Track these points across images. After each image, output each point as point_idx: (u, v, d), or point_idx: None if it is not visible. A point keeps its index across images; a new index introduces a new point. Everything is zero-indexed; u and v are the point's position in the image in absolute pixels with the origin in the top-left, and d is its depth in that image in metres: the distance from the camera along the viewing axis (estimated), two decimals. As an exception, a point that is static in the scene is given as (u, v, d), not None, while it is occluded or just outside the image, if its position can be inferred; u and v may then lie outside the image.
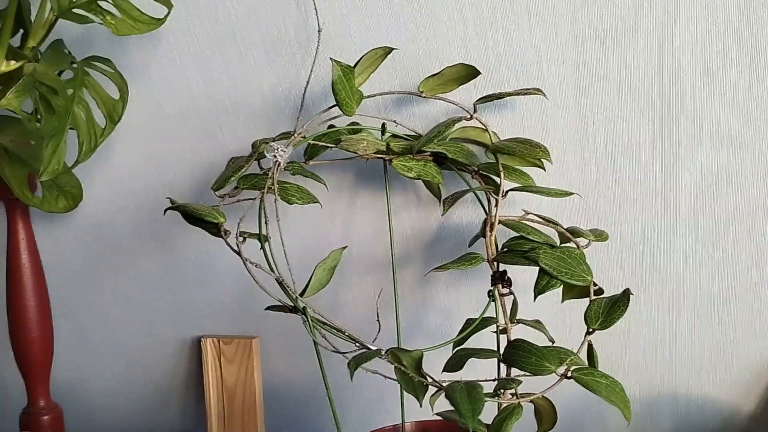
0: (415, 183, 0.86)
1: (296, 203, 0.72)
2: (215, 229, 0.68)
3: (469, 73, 0.75)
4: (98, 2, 0.67)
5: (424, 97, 0.76)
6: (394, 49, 0.75)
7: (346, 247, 0.68)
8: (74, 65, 0.71)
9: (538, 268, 0.69)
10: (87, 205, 0.96)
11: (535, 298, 0.70)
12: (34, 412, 0.95)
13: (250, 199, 0.71)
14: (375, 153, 0.75)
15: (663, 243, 0.84)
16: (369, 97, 0.77)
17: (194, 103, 0.88)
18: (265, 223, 0.66)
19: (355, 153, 0.73)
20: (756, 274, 0.84)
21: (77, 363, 1.07)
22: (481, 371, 0.74)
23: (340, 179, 0.88)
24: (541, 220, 0.75)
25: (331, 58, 0.70)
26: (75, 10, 0.67)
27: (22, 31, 0.70)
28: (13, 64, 0.63)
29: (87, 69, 0.72)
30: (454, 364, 0.73)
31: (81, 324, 1.05)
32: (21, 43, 0.69)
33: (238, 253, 0.66)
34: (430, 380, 0.65)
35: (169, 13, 0.71)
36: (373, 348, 0.65)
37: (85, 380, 1.08)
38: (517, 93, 0.74)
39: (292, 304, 0.65)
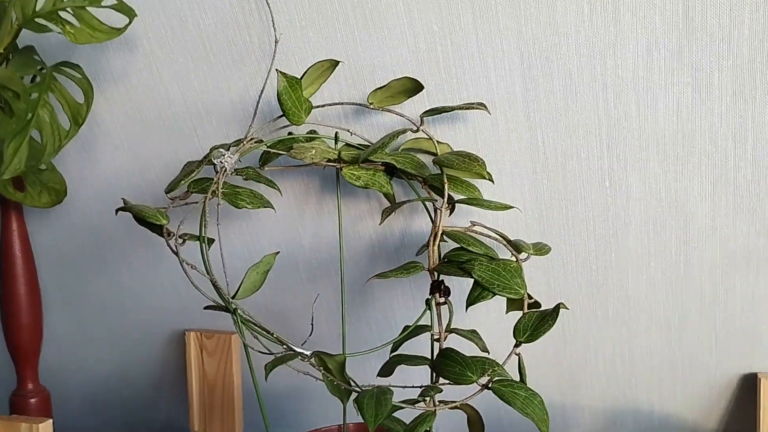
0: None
1: (245, 207, 0.75)
2: (159, 231, 0.71)
3: (415, 86, 0.77)
4: (58, 12, 0.71)
5: (373, 108, 0.78)
6: (339, 62, 0.77)
7: (278, 252, 0.71)
8: (43, 71, 0.76)
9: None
10: (78, 199, 1.01)
11: (466, 308, 0.72)
12: (22, 394, 1.00)
13: (196, 202, 0.74)
14: (326, 161, 0.78)
15: (615, 258, 0.84)
16: (318, 107, 0.80)
17: (170, 107, 0.92)
18: (216, 225, 0.69)
19: (303, 160, 0.75)
20: (709, 293, 0.84)
21: (74, 350, 1.13)
22: (417, 377, 0.76)
23: (306, 184, 0.91)
24: (486, 231, 0.77)
25: (277, 70, 0.73)
26: (37, 20, 0.71)
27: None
28: (-28, 72, 0.68)
29: (55, 74, 0.76)
30: (387, 369, 0.75)
31: (77, 313, 1.10)
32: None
33: (176, 254, 0.69)
34: (353, 384, 0.67)
35: (130, 22, 0.75)
36: (299, 350, 0.67)
37: (81, 367, 1.14)
38: (461, 107, 0.75)
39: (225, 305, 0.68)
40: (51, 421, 0.74)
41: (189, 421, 1.03)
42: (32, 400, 1.01)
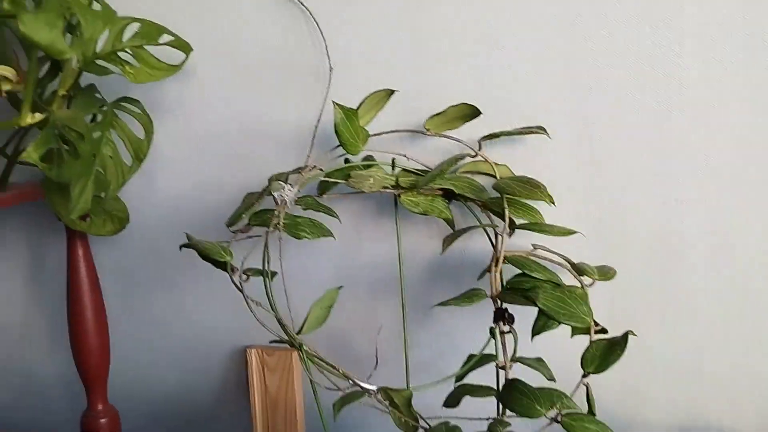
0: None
1: (305, 238, 0.75)
2: (223, 267, 0.72)
3: (472, 112, 0.76)
4: (118, 53, 0.72)
5: (430, 135, 0.77)
6: (395, 91, 0.77)
7: (341, 287, 0.71)
8: (104, 108, 0.77)
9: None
10: (140, 223, 1.03)
11: (532, 338, 0.71)
12: (93, 414, 1.03)
13: (259, 236, 0.75)
14: (383, 189, 0.77)
15: (681, 277, 0.82)
16: (375, 135, 0.79)
17: (227, 133, 0.93)
18: (279, 260, 0.69)
19: (361, 190, 0.75)
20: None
21: (139, 367, 1.15)
22: (482, 408, 0.76)
23: (363, 206, 0.91)
24: (549, 254, 0.76)
25: (333, 102, 0.73)
26: (98, 62, 0.72)
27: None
28: (38, 116, 0.69)
29: (116, 111, 0.77)
30: (452, 400, 0.74)
31: (142, 331, 1.12)
32: (49, 92, 0.75)
33: (241, 291, 0.70)
34: (420, 419, 0.67)
35: (187, 58, 0.75)
36: (365, 386, 0.67)
37: (146, 384, 1.16)
38: (520, 132, 0.74)
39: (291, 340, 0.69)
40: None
41: (252, 436, 1.04)
42: (102, 420, 1.03)
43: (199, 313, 1.07)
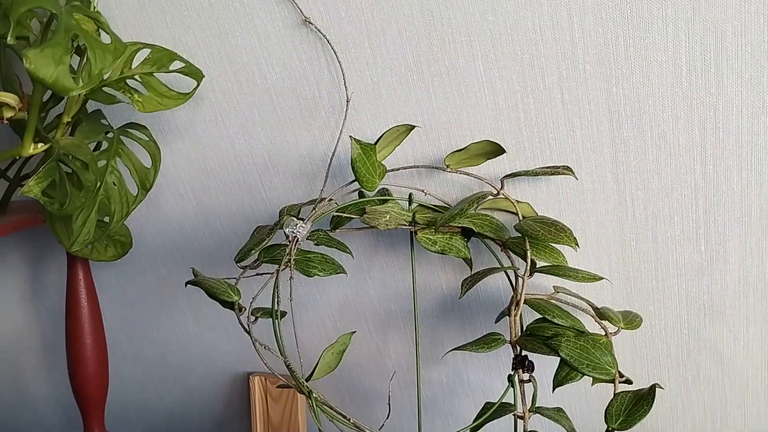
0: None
1: (317, 275, 0.72)
2: (230, 306, 0.69)
3: (495, 149, 0.72)
4: (126, 80, 0.69)
5: (449, 171, 0.74)
6: (415, 126, 0.73)
7: (354, 332, 0.67)
8: (109, 134, 0.74)
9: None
10: (143, 246, 1.00)
11: (554, 389, 0.68)
12: (89, 442, 1.00)
13: (269, 273, 0.71)
14: (399, 226, 0.74)
15: (709, 324, 0.78)
16: (392, 171, 0.76)
17: (236, 159, 0.90)
18: (290, 300, 0.66)
19: (377, 227, 0.72)
20: (814, 362, 0.78)
21: (138, 388, 1.12)
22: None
23: (376, 237, 0.88)
24: (571, 297, 0.72)
25: (351, 137, 0.69)
26: (104, 89, 0.69)
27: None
28: (41, 147, 0.66)
29: (122, 137, 0.74)
30: (468, 451, 0.71)
31: (142, 355, 1.09)
32: (55, 117, 0.72)
33: (248, 333, 0.66)
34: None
35: (198, 86, 0.72)
36: (377, 437, 0.64)
37: (145, 405, 1.13)
38: (546, 172, 0.71)
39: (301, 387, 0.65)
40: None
41: (254, 466, 1.01)
42: (98, 448, 1.00)
43: (202, 338, 1.04)
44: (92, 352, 0.99)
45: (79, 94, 0.68)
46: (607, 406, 0.66)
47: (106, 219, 0.81)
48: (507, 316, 0.73)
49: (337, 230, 0.78)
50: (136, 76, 0.69)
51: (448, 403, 0.94)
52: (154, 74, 0.69)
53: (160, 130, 0.89)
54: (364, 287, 0.91)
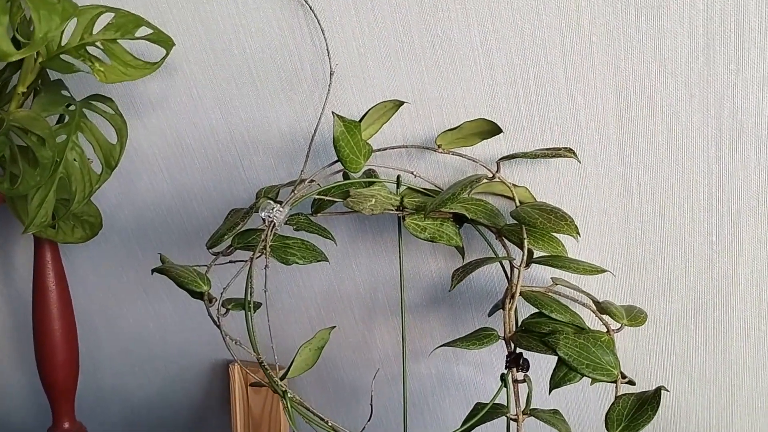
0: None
1: (296, 263, 0.67)
2: (200, 297, 0.63)
3: (491, 128, 0.66)
4: (86, 47, 0.63)
5: (441, 152, 0.68)
6: (404, 102, 0.67)
7: (334, 327, 0.62)
8: (71, 107, 0.68)
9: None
10: (116, 227, 0.95)
11: (550, 391, 0.62)
12: (58, 432, 0.95)
13: (242, 261, 0.66)
14: (386, 210, 0.68)
15: (718, 320, 0.73)
16: (379, 150, 0.70)
17: (213, 135, 0.84)
18: (264, 291, 0.61)
19: (361, 212, 0.66)
20: (829, 363, 0.72)
21: (116, 373, 1.07)
22: (489, 462, 0.67)
23: (362, 221, 0.82)
24: (571, 291, 0.67)
25: (333, 113, 0.63)
26: (63, 57, 0.63)
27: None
28: (-11, 120, 0.60)
29: (85, 110, 0.68)
30: (456, 455, 0.66)
31: (119, 338, 1.04)
32: (5, 86, 0.66)
33: (218, 326, 0.61)
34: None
35: (167, 54, 0.66)
36: (357, 442, 0.59)
37: (121, 397, 1.09)
38: (546, 154, 0.65)
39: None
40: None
41: (234, 458, 0.97)
42: (68, 439, 0.95)
43: (179, 325, 0.99)
44: (61, 339, 0.93)
45: (35, 62, 0.62)
46: (608, 411, 0.61)
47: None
48: (501, 310, 0.67)
49: (319, 214, 0.72)
50: (98, 43, 0.62)
51: (437, 398, 0.89)
52: (118, 41, 0.63)
53: (131, 104, 0.83)
54: (350, 274, 0.86)
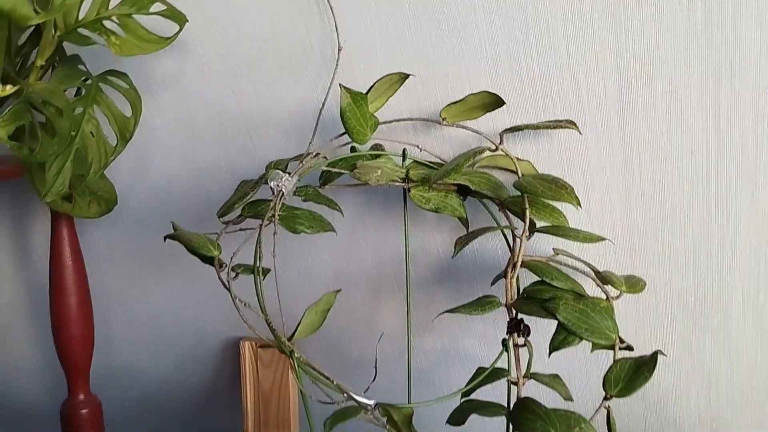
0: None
1: (304, 232, 0.69)
2: (210, 262, 0.65)
3: (494, 101, 0.68)
4: (102, 21, 0.65)
5: (446, 124, 0.70)
6: (409, 75, 0.69)
7: (339, 290, 0.64)
8: (87, 81, 0.70)
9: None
10: (130, 205, 0.97)
11: (549, 354, 0.64)
12: (73, 404, 0.97)
13: (252, 228, 0.68)
14: (391, 182, 0.70)
15: (717, 292, 0.75)
16: (385, 123, 0.72)
17: (224, 114, 0.86)
18: (273, 255, 0.63)
19: (367, 183, 0.68)
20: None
21: (130, 350, 1.10)
22: (490, 426, 0.69)
23: (369, 197, 0.84)
24: (572, 260, 0.69)
25: (340, 85, 0.65)
26: (80, 30, 0.65)
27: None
28: (9, 89, 0.62)
29: (102, 85, 0.70)
30: (457, 417, 0.68)
31: (133, 315, 1.07)
32: (25, 60, 0.68)
33: (228, 289, 0.63)
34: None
35: (180, 30, 0.68)
36: (362, 400, 0.60)
37: (137, 367, 1.11)
38: (548, 126, 0.67)
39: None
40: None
41: (244, 431, 0.99)
42: (83, 411, 0.98)
43: (192, 302, 1.02)
44: (77, 314, 0.96)
45: (53, 36, 0.64)
46: (606, 373, 0.63)
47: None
48: (503, 279, 0.69)
49: (327, 186, 0.74)
50: (114, 18, 0.65)
51: (443, 372, 0.91)
52: (133, 16, 0.65)
53: (145, 84, 0.85)
54: (357, 250, 0.87)
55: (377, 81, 0.67)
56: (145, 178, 0.94)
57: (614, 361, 0.64)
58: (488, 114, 0.71)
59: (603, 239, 0.67)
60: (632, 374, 0.62)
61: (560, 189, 0.64)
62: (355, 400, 0.61)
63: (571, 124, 0.67)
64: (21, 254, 1.08)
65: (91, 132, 0.68)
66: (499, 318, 0.71)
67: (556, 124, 0.66)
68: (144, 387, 1.11)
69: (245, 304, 0.62)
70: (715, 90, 0.65)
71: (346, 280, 0.90)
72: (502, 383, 0.68)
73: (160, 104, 0.87)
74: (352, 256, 0.88)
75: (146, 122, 0.89)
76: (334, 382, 0.61)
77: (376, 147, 0.75)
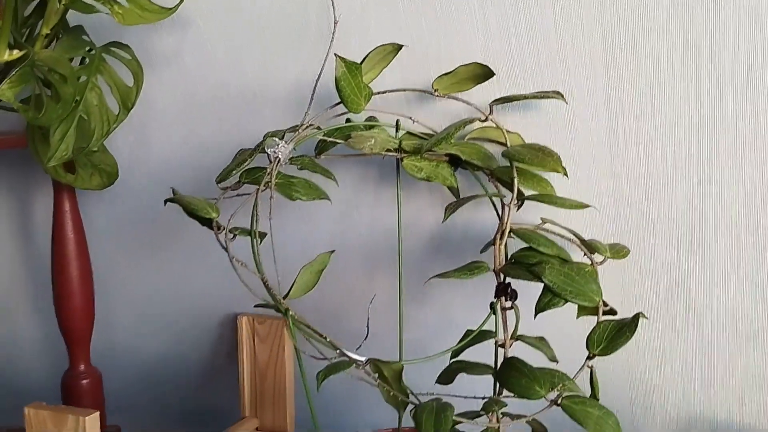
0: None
1: (299, 199, 0.71)
2: (208, 224, 0.67)
3: (484, 72, 0.71)
4: (107, -10, 0.67)
5: (438, 95, 0.73)
6: (403, 46, 0.72)
7: (333, 251, 0.66)
8: (91, 51, 0.72)
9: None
10: (130, 181, 0.99)
11: (535, 315, 0.67)
12: (74, 375, 1.00)
13: (249, 194, 0.70)
14: (385, 151, 0.72)
15: (700, 262, 0.77)
16: (378, 94, 0.74)
17: (224, 89, 0.88)
18: (269, 219, 0.65)
19: (361, 151, 0.70)
20: (804, 302, 0.76)
21: (128, 328, 1.11)
22: (479, 386, 0.71)
23: (364, 172, 0.86)
24: (558, 228, 0.71)
25: (335, 54, 0.68)
26: (84, -1, 0.67)
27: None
28: (16, 54, 0.65)
29: (105, 56, 0.73)
30: (447, 377, 0.70)
31: (131, 293, 1.08)
32: (33, 29, 0.70)
33: (226, 250, 0.65)
34: (410, 394, 0.63)
35: (181, 1, 0.70)
36: (354, 356, 0.63)
37: (135, 346, 1.13)
38: (536, 96, 0.69)
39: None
40: (98, 413, 0.72)
41: (240, 405, 1.01)
42: (84, 382, 1.00)
43: (190, 278, 1.03)
44: (78, 286, 0.98)
45: (59, 3, 0.66)
46: (590, 333, 0.65)
47: (87, 145, 0.80)
48: (493, 246, 0.71)
49: (322, 156, 0.76)
50: (117, -13, 0.67)
51: (435, 345, 0.92)
52: (136, -14, 0.68)
53: (147, 59, 0.87)
54: (352, 225, 0.90)
55: (371, 51, 0.70)
56: (146, 153, 0.96)
57: (597, 322, 0.66)
58: (479, 86, 0.74)
59: (588, 206, 0.69)
60: (614, 334, 0.64)
61: (547, 156, 0.67)
62: (347, 356, 0.63)
63: (557, 94, 0.70)
64: (24, 227, 1.10)
65: (95, 101, 0.70)
66: (491, 290, 0.73)
67: (544, 95, 0.69)
68: (143, 363, 1.13)
69: (242, 264, 0.65)
70: (697, 61, 0.67)
71: (342, 257, 0.91)
72: (490, 348, 0.71)
73: (161, 79, 0.89)
74: (348, 233, 0.90)
75: (147, 98, 0.91)
76: (327, 339, 0.64)
77: (371, 119, 0.77)
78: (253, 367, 1.02)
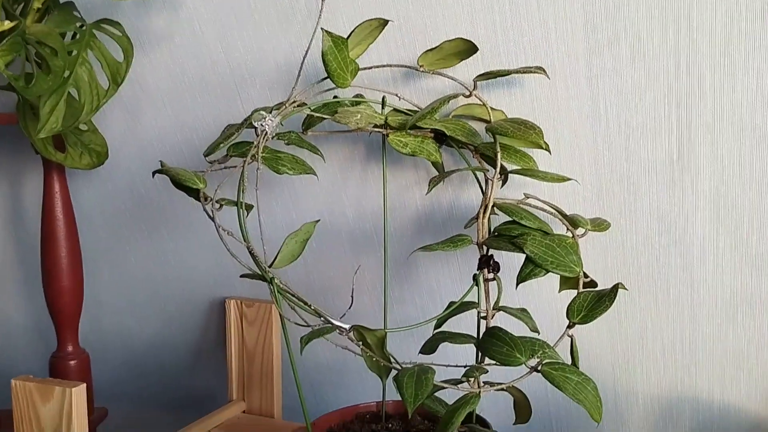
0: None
1: (286, 173, 0.72)
2: (195, 195, 0.68)
3: (468, 48, 0.72)
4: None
5: (423, 71, 0.74)
6: (388, 21, 0.73)
7: (318, 221, 0.67)
8: (82, 27, 0.73)
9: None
10: (120, 161, 0.99)
11: (517, 285, 0.68)
12: (62, 356, 1.00)
13: (234, 167, 0.71)
14: (372, 127, 0.73)
15: (680, 235, 0.78)
16: (364, 69, 0.75)
17: (214, 68, 0.89)
18: (255, 190, 0.66)
19: (347, 126, 0.71)
20: (783, 275, 0.78)
21: (116, 312, 1.12)
22: (461, 357, 0.73)
23: (351, 150, 0.87)
24: (540, 203, 0.72)
25: (322, 29, 0.69)
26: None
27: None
28: (7, 24, 0.66)
29: (95, 32, 0.74)
30: (430, 346, 0.71)
31: (120, 276, 1.09)
32: (26, 4, 0.71)
33: (212, 219, 0.66)
34: (393, 361, 0.64)
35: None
36: (337, 323, 0.64)
37: (123, 330, 1.13)
38: (518, 71, 0.70)
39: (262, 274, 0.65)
40: (84, 386, 0.72)
41: (228, 389, 1.02)
42: (72, 363, 1.01)
43: (179, 260, 1.04)
44: (67, 266, 0.99)
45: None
46: (570, 303, 0.66)
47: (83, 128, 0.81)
48: (476, 221, 0.72)
49: (309, 132, 0.78)
50: (107, -39, 0.68)
51: (419, 317, 0.93)
52: (127, -40, 0.69)
53: (137, 40, 0.88)
54: (339, 206, 0.91)
55: (357, 26, 0.71)
56: (136, 133, 0.97)
57: (578, 293, 0.67)
58: (464, 63, 0.75)
59: (569, 179, 0.70)
60: (594, 303, 0.65)
61: (529, 129, 0.68)
62: (331, 323, 0.64)
63: (540, 70, 0.71)
64: (13, 208, 1.11)
65: (85, 76, 0.71)
66: (475, 269, 0.74)
67: (526, 70, 0.70)
68: (129, 345, 1.13)
69: (228, 233, 0.66)
70: (675, 37, 0.69)
71: (330, 238, 0.93)
72: (472, 319, 0.72)
73: (151, 60, 0.90)
74: (335, 213, 0.91)
75: (137, 77, 0.92)
76: (312, 307, 0.65)
77: (357, 97, 0.78)
78: (241, 351, 1.03)
